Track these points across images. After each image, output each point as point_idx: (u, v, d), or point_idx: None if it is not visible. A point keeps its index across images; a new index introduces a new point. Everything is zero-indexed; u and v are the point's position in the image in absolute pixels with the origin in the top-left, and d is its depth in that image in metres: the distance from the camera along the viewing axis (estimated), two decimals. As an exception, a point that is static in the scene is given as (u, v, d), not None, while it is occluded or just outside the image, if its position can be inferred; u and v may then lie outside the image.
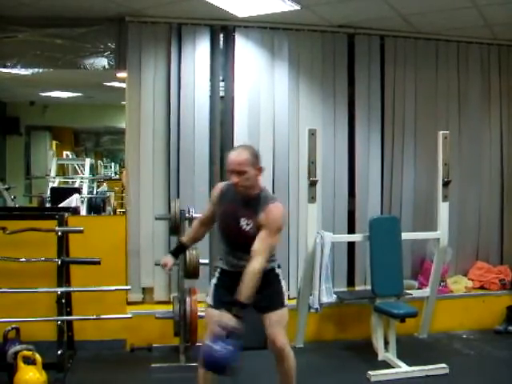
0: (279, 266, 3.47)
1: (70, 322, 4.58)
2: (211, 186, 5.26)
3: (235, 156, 3.25)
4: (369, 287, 5.08)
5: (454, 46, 5.91)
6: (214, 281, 3.44)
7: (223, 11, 4.97)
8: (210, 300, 3.39)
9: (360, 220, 5.63)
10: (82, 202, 8.12)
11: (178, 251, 3.75)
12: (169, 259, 3.62)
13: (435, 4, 4.86)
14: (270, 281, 3.33)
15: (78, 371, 4.38)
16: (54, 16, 5.11)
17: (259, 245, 3.15)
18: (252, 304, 3.22)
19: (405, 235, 5.13)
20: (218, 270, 3.45)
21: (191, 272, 4.53)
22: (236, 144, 5.32)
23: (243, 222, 3.25)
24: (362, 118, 5.70)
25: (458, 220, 5.85)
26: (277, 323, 3.32)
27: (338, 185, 5.65)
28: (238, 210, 3.27)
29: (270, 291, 3.34)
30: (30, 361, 3.89)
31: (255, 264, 3.08)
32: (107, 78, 7.06)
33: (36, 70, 5.80)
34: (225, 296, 3.27)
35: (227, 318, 2.99)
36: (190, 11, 5.14)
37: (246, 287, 3.04)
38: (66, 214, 4.55)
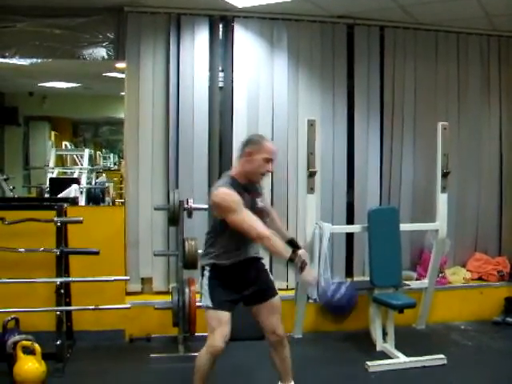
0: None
1: (69, 313, 4.59)
2: (210, 176, 5.29)
3: (273, 146, 3.37)
4: (367, 278, 5.07)
5: (453, 37, 5.88)
6: (206, 281, 3.28)
7: (222, 1, 4.95)
8: (208, 302, 3.23)
9: (359, 211, 5.63)
10: (81, 192, 8.11)
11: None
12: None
13: (435, -6, 4.86)
14: (261, 268, 3.40)
15: (77, 361, 4.39)
16: (52, 6, 5.08)
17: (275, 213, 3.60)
18: (247, 296, 3.30)
19: (403, 226, 5.13)
20: (210, 267, 3.27)
21: (190, 262, 4.54)
22: (235, 136, 5.33)
23: (258, 201, 3.34)
24: (362, 109, 5.69)
25: (457, 211, 5.84)
26: (276, 311, 3.35)
27: (337, 176, 5.65)
28: (252, 194, 3.32)
29: (264, 278, 3.39)
30: (29, 351, 3.91)
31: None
32: (106, 69, 7.05)
33: (35, 60, 5.78)
34: (228, 295, 3.24)
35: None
36: (190, 1, 5.12)
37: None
38: (65, 205, 4.55)
